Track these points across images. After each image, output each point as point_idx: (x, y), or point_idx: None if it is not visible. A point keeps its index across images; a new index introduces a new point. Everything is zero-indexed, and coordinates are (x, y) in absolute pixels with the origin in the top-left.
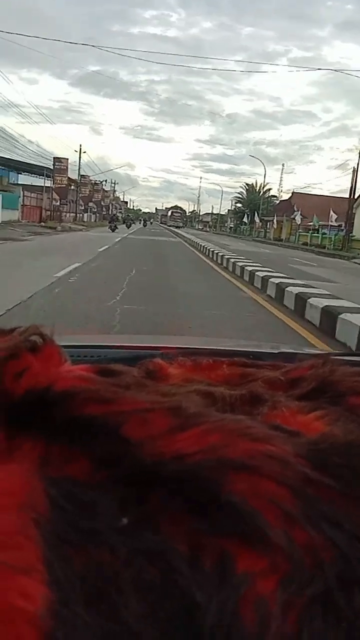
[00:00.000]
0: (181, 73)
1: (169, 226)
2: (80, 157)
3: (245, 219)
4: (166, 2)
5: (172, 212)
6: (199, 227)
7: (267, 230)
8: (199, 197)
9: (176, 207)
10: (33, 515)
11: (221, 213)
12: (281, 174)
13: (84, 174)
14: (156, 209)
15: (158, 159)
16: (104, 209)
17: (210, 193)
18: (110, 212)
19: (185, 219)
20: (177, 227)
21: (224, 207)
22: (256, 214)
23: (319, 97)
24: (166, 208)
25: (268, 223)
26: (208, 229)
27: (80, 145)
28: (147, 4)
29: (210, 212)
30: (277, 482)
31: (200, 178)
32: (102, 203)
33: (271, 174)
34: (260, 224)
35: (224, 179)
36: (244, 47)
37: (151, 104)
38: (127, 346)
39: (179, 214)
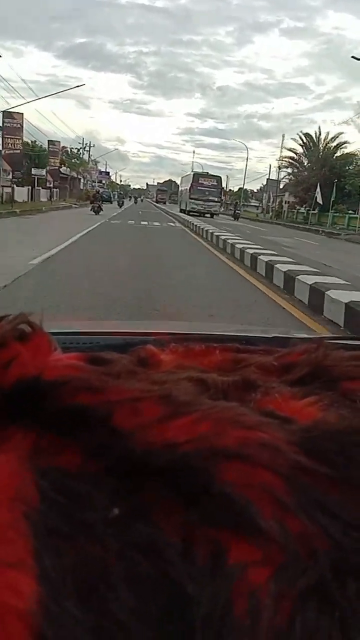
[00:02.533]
0: (170, 45)
1: (194, 212)
2: None
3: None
4: None
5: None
6: None
7: None
8: (192, 171)
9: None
10: (23, 508)
11: (245, 187)
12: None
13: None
14: (147, 184)
15: (148, 134)
16: (65, 182)
17: (202, 168)
18: (84, 188)
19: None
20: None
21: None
22: None
23: (311, 69)
24: (158, 183)
25: None
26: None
27: None
28: None
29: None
30: (270, 470)
31: (194, 151)
32: (60, 171)
33: (263, 148)
34: None
35: (215, 153)
36: (234, 18)
37: (140, 77)
38: (118, 332)
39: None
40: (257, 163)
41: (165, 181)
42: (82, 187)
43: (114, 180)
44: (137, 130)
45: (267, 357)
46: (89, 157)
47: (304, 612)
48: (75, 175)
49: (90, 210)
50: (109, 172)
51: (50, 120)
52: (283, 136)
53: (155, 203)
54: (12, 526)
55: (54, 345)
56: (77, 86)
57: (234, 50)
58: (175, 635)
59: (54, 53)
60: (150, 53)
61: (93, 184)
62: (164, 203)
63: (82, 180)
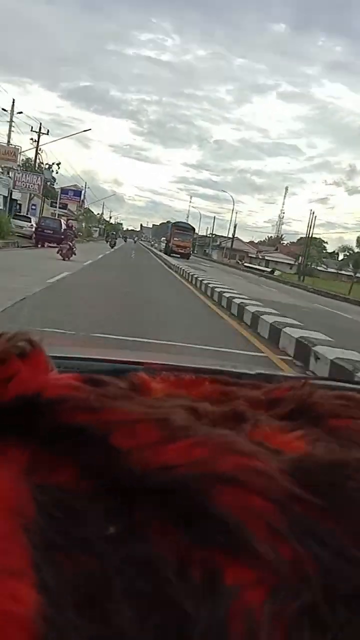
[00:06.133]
0: (172, 96)
1: None
2: None
3: None
4: (162, 27)
5: None
6: (245, 262)
7: None
8: (187, 217)
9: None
10: (21, 520)
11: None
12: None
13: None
14: (141, 225)
15: (145, 179)
16: None
17: (194, 217)
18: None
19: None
20: None
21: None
22: None
23: (304, 132)
24: (154, 225)
25: None
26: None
27: None
28: (143, 27)
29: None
30: (264, 496)
31: (191, 197)
32: None
33: (254, 203)
34: None
35: (208, 204)
36: (235, 78)
37: (140, 124)
38: (109, 360)
39: None
40: (247, 216)
41: (162, 223)
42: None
43: (101, 214)
44: (134, 175)
45: (255, 391)
46: (37, 156)
47: (298, 633)
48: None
49: (57, 252)
50: (80, 192)
51: (51, 158)
52: (286, 189)
53: (161, 254)
54: (11, 537)
55: (52, 365)
56: (85, 130)
57: (232, 108)
58: None
59: (58, 93)
60: (152, 102)
61: (50, 204)
62: (188, 258)
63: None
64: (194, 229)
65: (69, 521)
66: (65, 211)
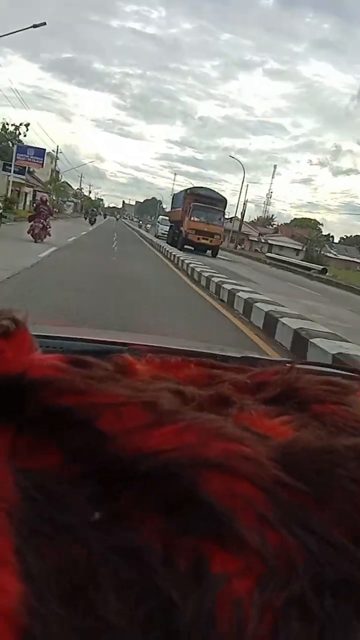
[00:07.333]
0: (156, 70)
1: None
2: None
3: None
4: None
5: None
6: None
7: None
8: (172, 195)
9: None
10: (4, 506)
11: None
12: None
13: None
14: (124, 202)
15: (127, 155)
16: None
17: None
18: None
19: None
20: None
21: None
22: None
23: (290, 111)
24: (137, 202)
25: None
26: None
27: None
28: None
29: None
30: (252, 483)
31: (175, 174)
32: None
33: (237, 182)
34: None
35: (192, 182)
36: (221, 53)
37: (123, 98)
38: (94, 340)
39: None
40: (231, 196)
41: (146, 199)
42: None
43: (79, 189)
44: (116, 151)
45: (241, 375)
46: None
47: (286, 623)
48: None
49: (28, 232)
50: (44, 152)
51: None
52: (275, 167)
53: (161, 243)
54: None
55: (36, 345)
56: (37, 25)
57: (218, 84)
58: None
59: (39, 65)
60: (135, 76)
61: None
62: (216, 254)
63: None
64: (225, 200)
65: (53, 507)
66: (23, 177)
